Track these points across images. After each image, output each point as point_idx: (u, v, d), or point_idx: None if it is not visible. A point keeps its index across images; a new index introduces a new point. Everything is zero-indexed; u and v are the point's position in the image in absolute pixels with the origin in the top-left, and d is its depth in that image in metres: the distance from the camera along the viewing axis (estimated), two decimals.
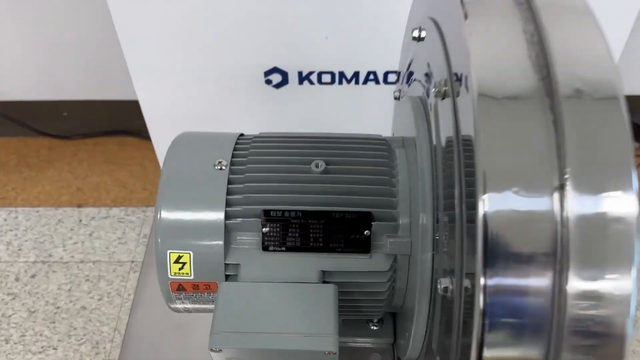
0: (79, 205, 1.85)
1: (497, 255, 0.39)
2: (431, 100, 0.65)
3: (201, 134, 0.80)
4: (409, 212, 0.71)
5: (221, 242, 0.70)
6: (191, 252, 0.70)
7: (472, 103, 0.43)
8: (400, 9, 0.89)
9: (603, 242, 0.39)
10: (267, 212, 0.70)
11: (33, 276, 1.68)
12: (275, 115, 1.32)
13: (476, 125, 0.42)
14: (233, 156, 0.75)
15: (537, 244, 0.39)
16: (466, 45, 0.46)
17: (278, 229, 0.71)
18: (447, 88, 0.56)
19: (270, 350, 0.63)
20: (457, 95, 0.52)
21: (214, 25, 1.17)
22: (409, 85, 0.84)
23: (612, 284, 0.38)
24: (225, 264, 0.71)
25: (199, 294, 0.74)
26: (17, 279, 1.68)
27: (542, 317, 0.39)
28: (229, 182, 0.72)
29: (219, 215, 0.70)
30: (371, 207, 0.70)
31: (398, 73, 0.97)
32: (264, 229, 0.70)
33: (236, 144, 0.77)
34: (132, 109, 1.49)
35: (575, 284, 0.39)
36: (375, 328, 0.84)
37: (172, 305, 0.76)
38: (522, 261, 0.39)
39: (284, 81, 1.26)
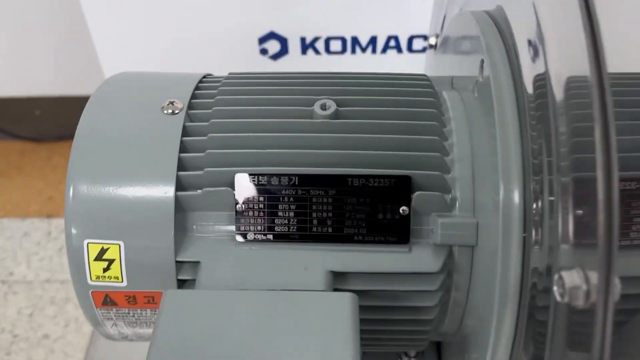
0: (49, 216, 1.59)
1: None
2: None
3: (149, 73, 0.54)
4: (471, 179, 0.44)
5: (170, 228, 0.43)
6: (121, 243, 0.44)
7: None
8: None
9: None
10: (243, 178, 0.44)
11: None
12: None
13: None
14: (194, 96, 0.48)
15: None
16: None
17: (261, 206, 0.44)
18: None
19: None
20: None
21: None
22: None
23: None
24: (176, 262, 0.44)
25: (139, 311, 0.47)
26: None
27: None
28: (185, 132, 0.46)
29: (166, 185, 0.44)
30: (410, 169, 0.44)
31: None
32: (238, 206, 0.44)
33: (200, 82, 0.51)
34: None
35: None
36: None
37: (101, 329, 0.49)
38: None
39: (283, 50, 1.01)
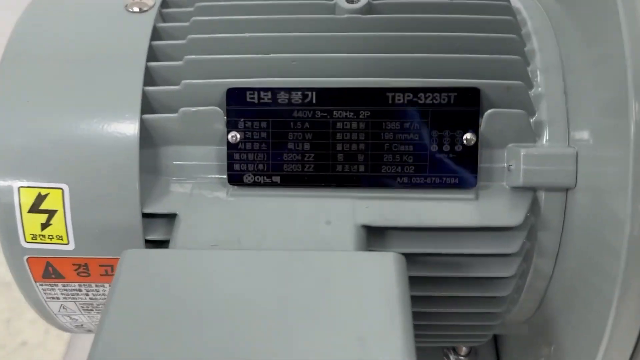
0: None
1: None
2: None
3: None
4: (563, 95, 0.31)
5: (134, 167, 0.30)
6: (65, 187, 0.31)
7: None
8: None
9: None
10: (236, 94, 0.30)
11: None
12: None
13: None
14: None
15: None
16: None
17: (264, 135, 0.31)
18: None
19: None
20: None
21: None
22: None
23: None
24: (143, 215, 0.31)
25: (93, 286, 0.34)
26: None
27: None
28: (156, 35, 0.33)
29: (128, 106, 0.30)
30: (478, 78, 0.30)
31: None
32: (230, 136, 0.31)
33: None
34: None
35: None
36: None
37: (46, 315, 0.36)
38: None
39: None
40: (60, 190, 0.31)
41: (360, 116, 0.30)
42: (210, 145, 0.31)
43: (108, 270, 0.33)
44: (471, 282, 0.32)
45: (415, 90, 0.30)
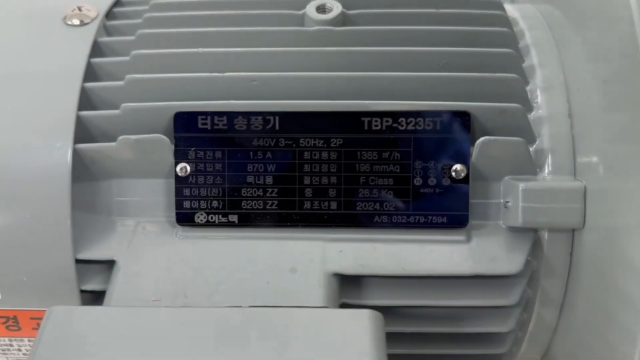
0: None
1: None
2: None
3: None
4: (568, 118, 0.26)
5: (65, 205, 0.26)
6: None
7: None
8: None
9: None
10: (187, 118, 0.26)
11: None
12: None
13: None
14: (117, 3, 0.31)
15: None
16: None
17: (219, 168, 0.26)
18: None
19: None
20: None
21: None
22: None
23: None
24: (77, 261, 0.26)
25: (25, 341, 0.29)
26: None
27: None
28: (97, 51, 0.28)
29: (59, 133, 0.26)
30: (469, 100, 0.26)
31: None
32: (179, 168, 0.26)
33: None
34: None
35: None
36: None
37: None
38: None
39: None
40: None
41: (332, 145, 0.26)
42: (156, 179, 0.27)
43: (40, 323, 0.28)
44: (463, 339, 0.27)
45: (395, 115, 0.26)
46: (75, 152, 0.26)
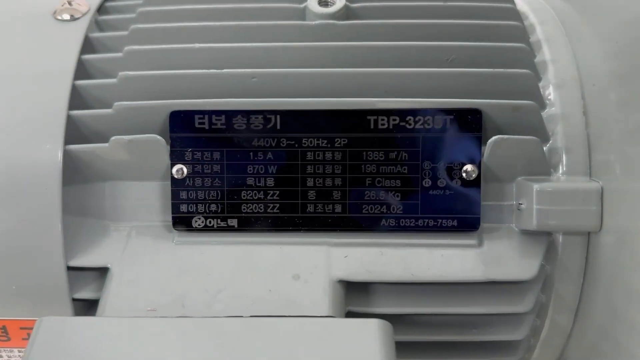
0: None
1: None
2: None
3: None
4: (582, 116, 0.25)
5: (55, 210, 0.24)
6: None
7: None
8: None
9: None
10: (184, 117, 0.25)
11: None
12: None
13: None
14: None
15: None
16: None
17: (217, 169, 0.25)
18: None
19: None
20: None
21: None
22: None
23: None
24: (68, 268, 0.25)
25: (15, 352, 0.28)
26: None
27: None
28: (88, 47, 0.27)
29: (49, 135, 0.25)
30: (480, 97, 0.25)
31: None
32: (176, 170, 0.25)
33: None
34: None
35: None
36: None
37: None
38: None
39: None
40: None
41: (336, 145, 0.25)
42: (152, 181, 0.25)
43: (31, 333, 0.27)
44: (474, 347, 0.26)
45: (402, 113, 0.24)
46: (66, 154, 0.24)
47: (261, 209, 0.25)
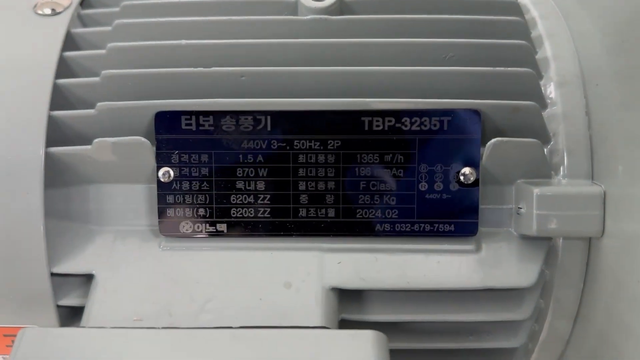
0: None
1: None
2: None
3: None
4: (585, 116, 0.24)
5: (38, 213, 0.23)
6: None
7: None
8: None
9: None
10: (170, 118, 0.24)
11: None
12: None
13: None
14: None
15: None
16: None
17: (205, 173, 0.24)
18: None
19: None
20: None
21: None
22: None
23: None
24: (52, 275, 0.24)
25: (1, 359, 0.27)
26: None
27: None
28: (70, 43, 0.26)
29: (29, 136, 0.24)
30: (479, 98, 0.24)
31: None
32: (162, 173, 0.24)
33: None
34: None
35: None
36: None
37: None
38: None
39: None
40: None
41: (329, 147, 0.24)
42: (137, 184, 0.24)
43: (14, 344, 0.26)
44: (471, 354, 0.25)
45: (398, 114, 0.23)
46: (48, 156, 0.23)
47: (251, 214, 0.24)
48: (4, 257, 0.24)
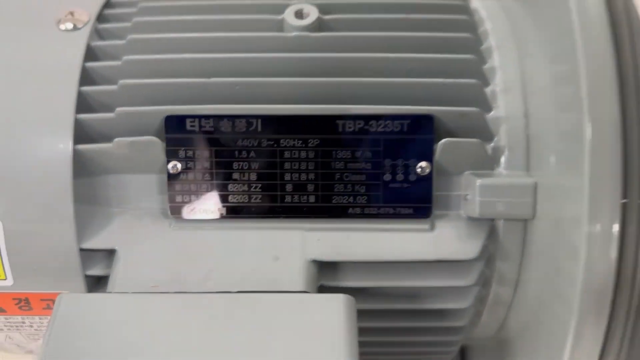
0: None
1: None
2: None
3: None
4: (524, 118, 0.29)
5: (68, 200, 0.28)
6: (0, 225, 0.29)
7: None
8: None
9: None
10: (175, 122, 0.28)
11: None
12: None
13: None
14: (107, 4, 0.33)
15: None
16: None
17: (207, 165, 0.29)
18: None
19: None
20: None
21: None
22: None
23: None
24: (81, 250, 0.29)
25: (37, 319, 0.32)
26: None
27: None
28: (91, 55, 0.30)
29: (60, 134, 0.28)
30: (433, 105, 0.28)
31: None
32: (171, 166, 0.29)
33: None
34: None
35: None
36: None
37: None
38: None
39: None
40: None
41: (310, 145, 0.29)
42: (151, 174, 0.29)
43: (50, 304, 0.31)
44: (427, 314, 0.31)
45: (366, 118, 0.28)
46: (76, 153, 0.28)
47: (246, 200, 0.29)
48: (41, 236, 0.29)
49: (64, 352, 0.24)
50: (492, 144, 0.29)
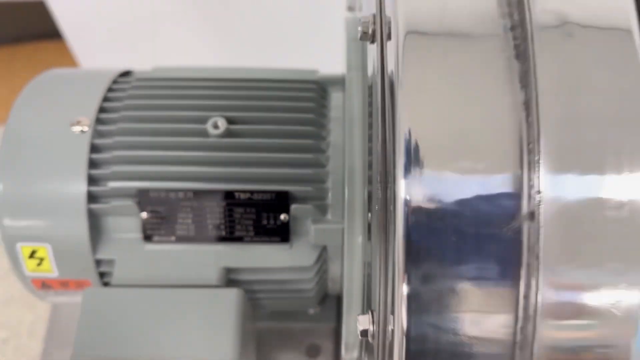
0: None
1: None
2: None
3: (71, 73, 0.58)
4: (342, 187, 0.52)
5: (85, 232, 0.51)
6: (48, 246, 0.52)
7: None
8: None
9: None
10: (143, 192, 0.51)
11: None
12: (223, 28, 1.06)
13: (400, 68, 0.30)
14: (101, 110, 0.54)
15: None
16: None
17: (163, 214, 0.52)
18: (374, 27, 0.36)
19: None
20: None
21: None
22: None
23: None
24: (95, 259, 0.53)
25: (71, 291, 0.57)
26: None
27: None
28: (93, 149, 0.52)
29: (79, 197, 0.51)
30: (290, 184, 0.51)
31: None
32: (143, 214, 0.52)
33: (109, 91, 0.55)
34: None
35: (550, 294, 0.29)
36: (313, 311, 0.68)
37: (48, 300, 0.59)
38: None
39: None
40: (45, 248, 0.52)
41: (220, 205, 0.51)
42: (132, 217, 0.52)
43: (79, 284, 0.55)
44: (290, 291, 0.55)
45: (251, 192, 0.51)
46: (89, 211, 0.51)
47: (186, 233, 0.52)
48: (73, 252, 0.52)
49: (93, 340, 0.49)
50: (324, 202, 0.52)
